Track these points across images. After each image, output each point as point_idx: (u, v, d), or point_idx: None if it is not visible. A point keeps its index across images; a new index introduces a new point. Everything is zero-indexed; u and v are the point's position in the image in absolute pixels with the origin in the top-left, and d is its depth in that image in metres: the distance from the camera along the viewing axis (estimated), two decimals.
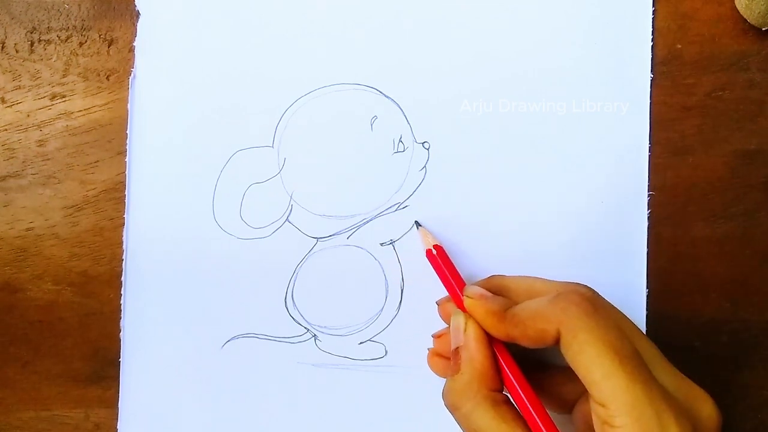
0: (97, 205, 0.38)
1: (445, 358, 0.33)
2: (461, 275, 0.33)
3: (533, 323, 0.27)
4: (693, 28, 0.37)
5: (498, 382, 0.29)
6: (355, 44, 0.38)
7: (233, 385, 0.37)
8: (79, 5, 0.39)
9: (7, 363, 0.39)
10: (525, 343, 0.28)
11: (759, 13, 0.35)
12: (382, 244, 0.37)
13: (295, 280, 0.37)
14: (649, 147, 0.37)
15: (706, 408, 0.26)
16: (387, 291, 0.37)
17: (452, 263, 0.34)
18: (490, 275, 0.34)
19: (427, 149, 0.37)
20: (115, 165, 0.38)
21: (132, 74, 0.38)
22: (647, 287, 0.36)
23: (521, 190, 0.37)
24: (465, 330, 0.30)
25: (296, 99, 0.38)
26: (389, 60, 0.38)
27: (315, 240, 0.38)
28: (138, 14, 0.38)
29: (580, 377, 0.26)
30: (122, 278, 0.38)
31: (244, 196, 0.38)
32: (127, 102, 0.38)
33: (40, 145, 0.39)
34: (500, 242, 0.37)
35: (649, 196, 0.36)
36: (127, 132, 0.38)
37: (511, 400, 0.29)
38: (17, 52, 0.39)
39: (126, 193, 0.38)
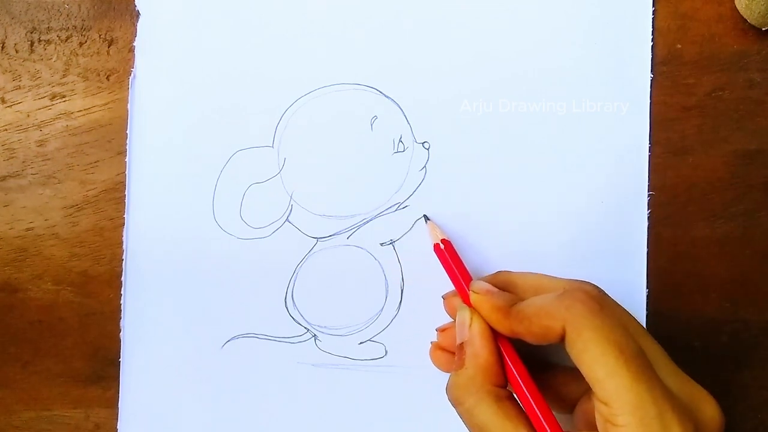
0: (97, 205, 0.38)
1: (447, 351, 0.33)
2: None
3: (538, 320, 0.27)
4: (693, 28, 0.37)
5: (502, 378, 0.29)
6: (355, 44, 0.38)
7: (233, 385, 0.37)
8: (79, 5, 0.39)
9: (7, 363, 0.39)
10: (530, 339, 0.28)
11: (759, 13, 0.35)
12: (382, 244, 0.37)
13: (295, 280, 0.37)
14: (649, 147, 0.37)
15: (708, 409, 0.26)
16: (387, 291, 0.37)
17: (459, 258, 0.34)
18: (496, 271, 0.34)
19: (427, 149, 0.37)
20: (115, 165, 0.38)
21: (132, 74, 0.38)
22: (647, 287, 0.36)
23: (521, 190, 0.37)
24: (470, 325, 0.30)
25: (296, 99, 0.38)
26: (389, 60, 0.38)
27: (315, 240, 0.38)
28: (138, 14, 0.38)
29: (583, 375, 0.26)
30: (122, 278, 0.38)
31: (244, 196, 0.38)
32: (127, 102, 0.38)
33: (40, 145, 0.39)
34: (500, 242, 0.37)
35: (649, 196, 0.36)
36: (127, 132, 0.38)
37: (515, 396, 0.29)
38: (17, 52, 0.39)
39: (126, 193, 0.38)
